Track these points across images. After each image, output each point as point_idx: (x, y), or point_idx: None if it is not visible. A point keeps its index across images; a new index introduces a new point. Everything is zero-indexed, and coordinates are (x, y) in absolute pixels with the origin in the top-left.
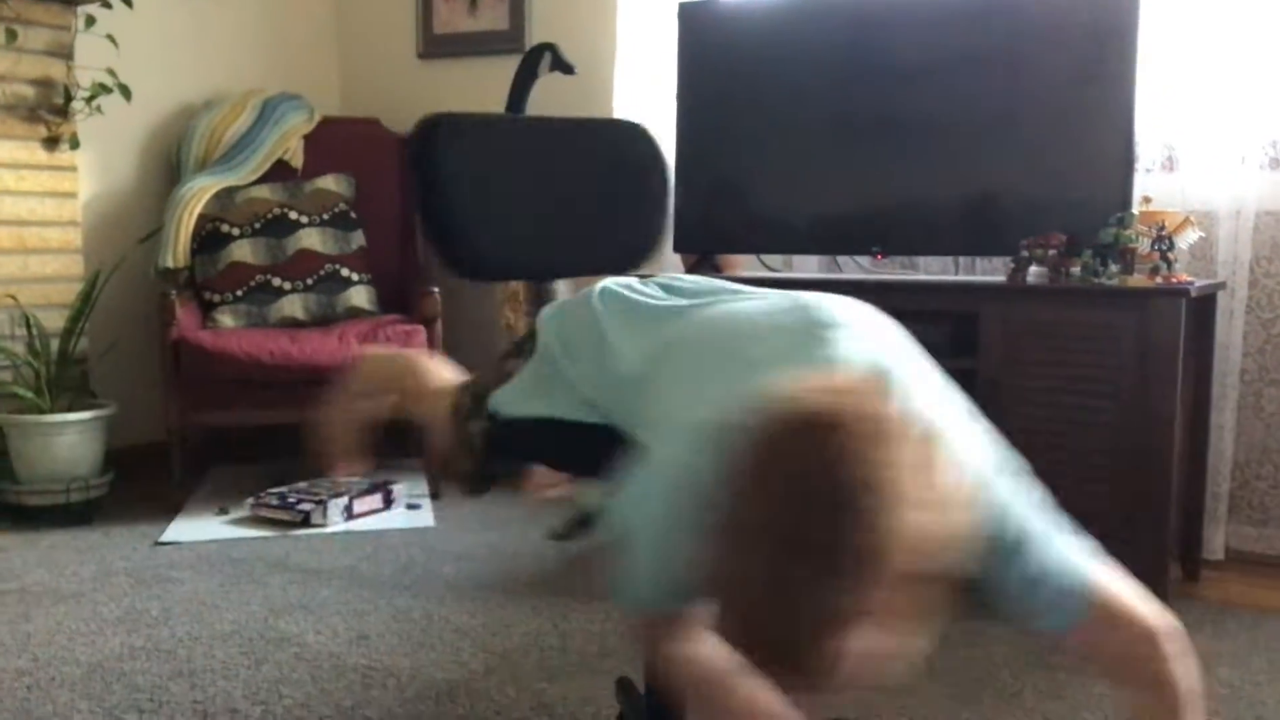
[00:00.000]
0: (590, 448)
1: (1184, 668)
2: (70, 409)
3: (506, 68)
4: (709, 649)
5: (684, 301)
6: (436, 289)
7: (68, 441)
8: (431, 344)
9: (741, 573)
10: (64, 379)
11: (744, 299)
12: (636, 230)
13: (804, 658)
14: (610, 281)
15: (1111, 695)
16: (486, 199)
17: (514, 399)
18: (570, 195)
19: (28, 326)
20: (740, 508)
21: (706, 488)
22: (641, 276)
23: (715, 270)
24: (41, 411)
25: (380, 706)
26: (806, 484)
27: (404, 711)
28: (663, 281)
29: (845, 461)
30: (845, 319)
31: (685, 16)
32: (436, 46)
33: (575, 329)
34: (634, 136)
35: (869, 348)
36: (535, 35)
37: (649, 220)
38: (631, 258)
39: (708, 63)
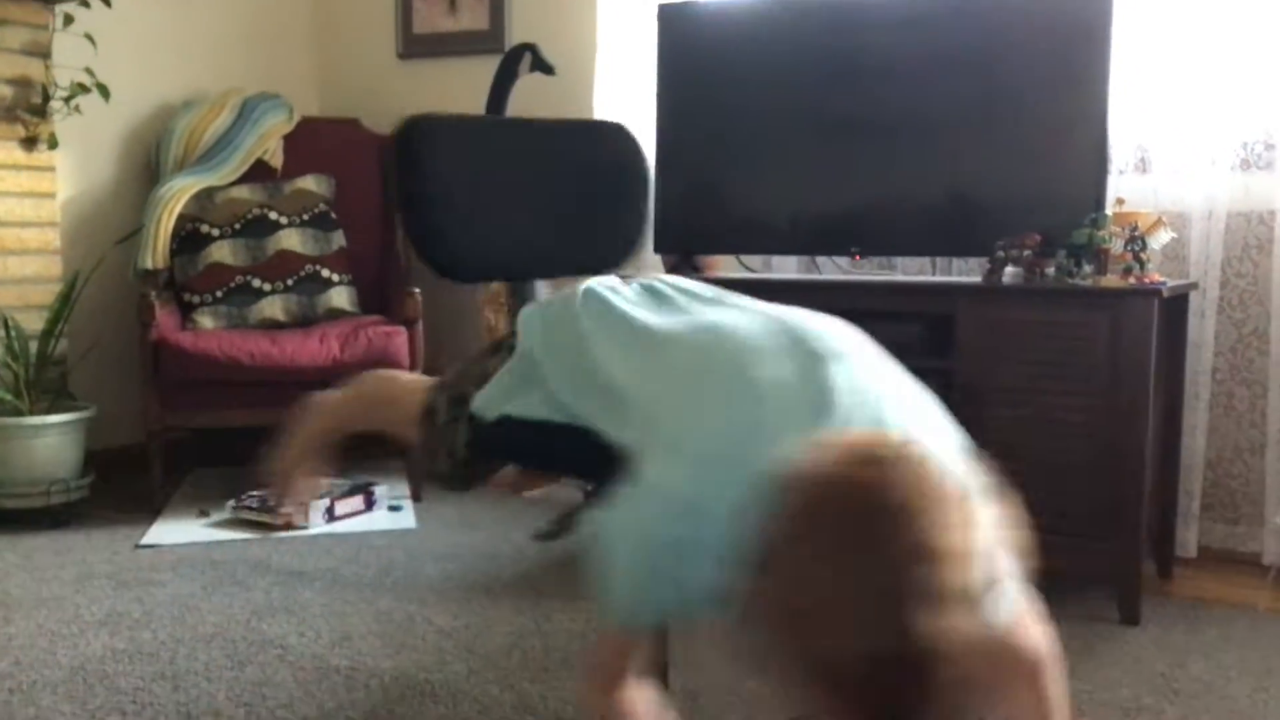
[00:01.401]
0: (575, 451)
1: (1058, 690)
2: (49, 411)
3: (486, 68)
4: (642, 701)
5: (665, 318)
6: (417, 290)
7: (47, 444)
8: (413, 344)
9: (802, 640)
10: (43, 381)
11: (726, 308)
12: (616, 231)
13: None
14: (594, 283)
15: (1100, 701)
16: (468, 200)
17: (494, 400)
18: (550, 196)
19: (6, 328)
20: (792, 588)
21: (735, 537)
22: (623, 277)
23: (695, 270)
24: (20, 414)
25: (363, 708)
26: (865, 563)
27: (387, 713)
28: (645, 283)
29: (903, 535)
30: (840, 349)
31: (665, 18)
32: (416, 46)
33: (556, 330)
34: (614, 137)
35: (871, 383)
36: (515, 35)
37: (629, 221)
38: (611, 258)
39: (687, 64)
